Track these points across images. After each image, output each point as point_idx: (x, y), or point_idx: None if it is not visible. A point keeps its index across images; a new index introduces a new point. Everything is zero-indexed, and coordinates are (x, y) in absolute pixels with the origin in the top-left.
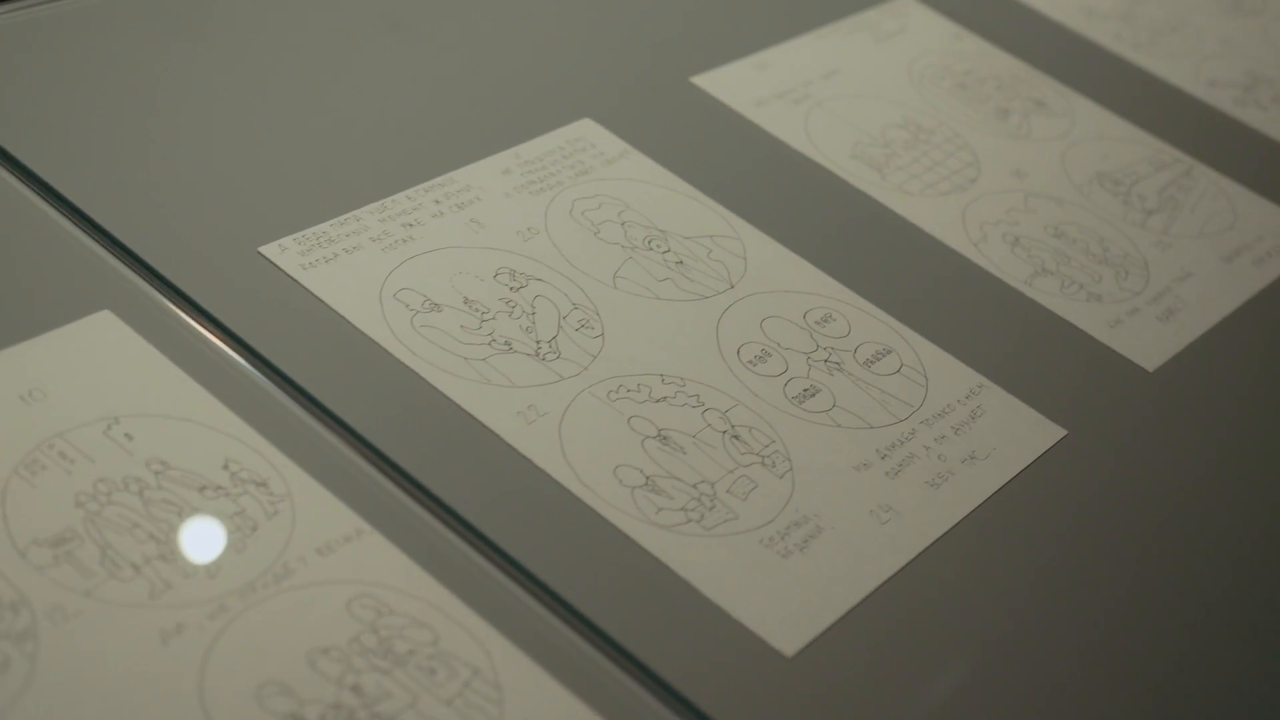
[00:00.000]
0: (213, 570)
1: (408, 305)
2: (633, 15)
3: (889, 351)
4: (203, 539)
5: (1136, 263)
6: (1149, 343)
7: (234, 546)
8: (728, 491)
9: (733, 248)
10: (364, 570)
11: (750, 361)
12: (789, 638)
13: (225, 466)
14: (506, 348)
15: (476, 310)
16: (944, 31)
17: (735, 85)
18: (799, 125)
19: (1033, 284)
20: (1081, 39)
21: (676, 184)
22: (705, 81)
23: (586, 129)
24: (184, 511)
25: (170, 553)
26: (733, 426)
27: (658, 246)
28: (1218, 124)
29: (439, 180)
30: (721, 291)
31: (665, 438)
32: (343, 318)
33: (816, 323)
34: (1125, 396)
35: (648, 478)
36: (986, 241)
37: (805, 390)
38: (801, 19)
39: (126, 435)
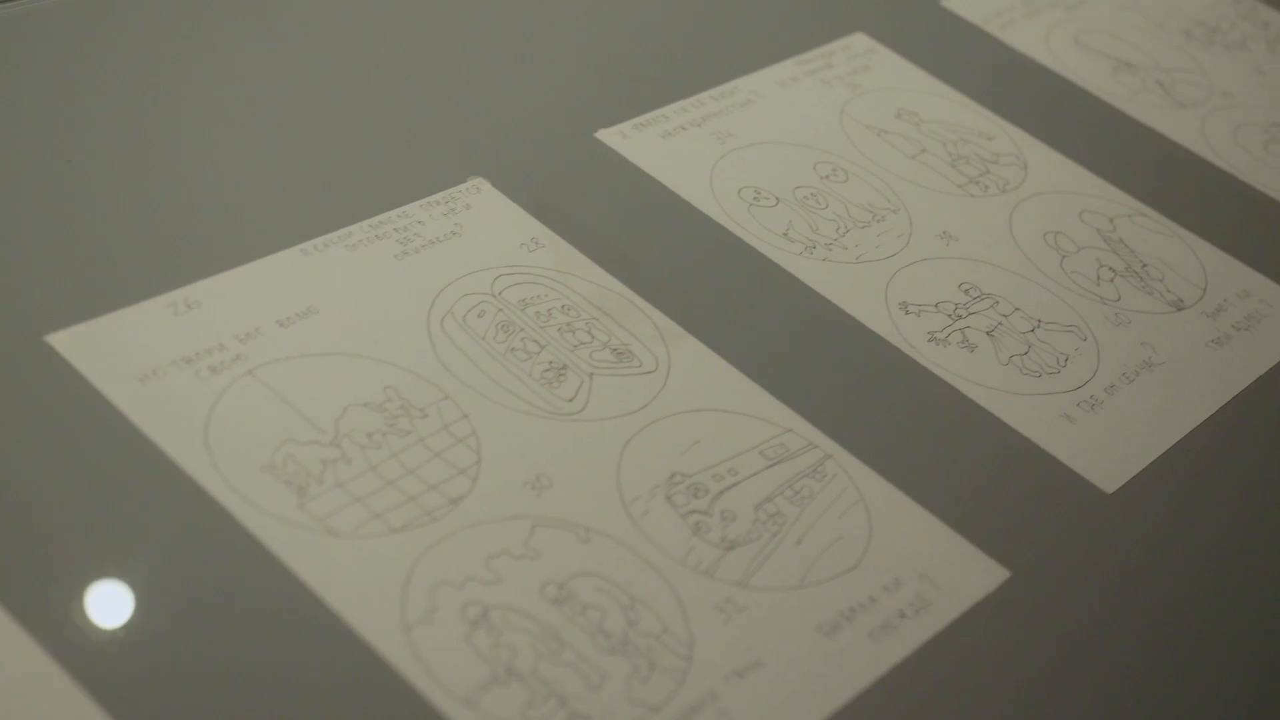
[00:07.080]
0: None
1: None
2: None
3: None
4: None
5: (675, 646)
6: None
7: None
8: None
9: None
10: None
11: None
12: None
13: None
14: None
15: None
16: (517, 236)
17: (121, 348)
18: (199, 417)
19: (479, 705)
20: (736, 242)
21: None
22: (66, 342)
23: None
24: None
25: None
26: None
27: None
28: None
29: None
30: None
31: None
32: None
33: None
34: None
35: None
36: (432, 622)
37: None
38: (301, 221)
39: None
